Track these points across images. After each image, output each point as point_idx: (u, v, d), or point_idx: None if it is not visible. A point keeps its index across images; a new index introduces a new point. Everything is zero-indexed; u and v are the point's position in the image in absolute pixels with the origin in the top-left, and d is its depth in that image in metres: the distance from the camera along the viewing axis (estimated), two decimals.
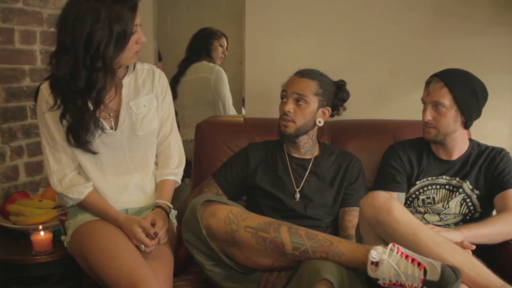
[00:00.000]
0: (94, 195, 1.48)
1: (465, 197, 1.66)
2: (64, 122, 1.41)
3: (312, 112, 1.65)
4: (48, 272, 1.80)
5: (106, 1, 1.32)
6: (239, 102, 2.64)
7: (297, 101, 1.64)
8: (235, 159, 1.76)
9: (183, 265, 1.66)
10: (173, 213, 1.65)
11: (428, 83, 1.65)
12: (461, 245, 1.36)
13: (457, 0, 2.03)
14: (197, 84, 2.74)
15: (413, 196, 1.71)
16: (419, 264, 1.14)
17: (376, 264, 1.19)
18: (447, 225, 1.66)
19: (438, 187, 1.69)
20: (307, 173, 1.70)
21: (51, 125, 1.44)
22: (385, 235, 1.31)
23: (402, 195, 1.70)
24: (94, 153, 1.46)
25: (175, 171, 1.60)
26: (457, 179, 1.68)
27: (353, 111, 1.85)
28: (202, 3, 3.37)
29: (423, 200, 1.70)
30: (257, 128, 1.96)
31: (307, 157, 1.73)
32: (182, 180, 1.65)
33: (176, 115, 1.69)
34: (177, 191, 1.65)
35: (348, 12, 2.08)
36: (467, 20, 2.03)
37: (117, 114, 1.49)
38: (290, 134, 1.65)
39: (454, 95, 1.58)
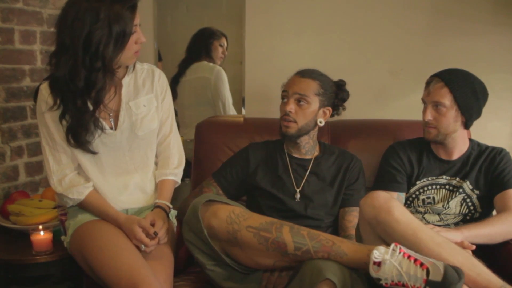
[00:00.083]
0: (94, 195, 1.48)
1: (465, 197, 1.66)
2: (64, 122, 1.41)
3: (313, 112, 1.65)
4: (48, 272, 1.80)
5: (106, 1, 1.32)
6: (239, 102, 2.63)
7: (298, 101, 1.63)
8: (235, 159, 1.76)
9: (184, 265, 1.65)
10: (173, 213, 1.65)
11: (428, 83, 1.65)
12: (461, 245, 1.36)
13: (457, 0, 2.03)
14: (197, 84, 2.73)
15: (413, 196, 1.71)
16: (421, 264, 1.14)
17: (378, 264, 1.19)
18: (447, 225, 1.66)
19: (438, 187, 1.69)
20: (307, 173, 1.70)
21: (50, 125, 1.44)
22: (385, 235, 1.31)
23: (402, 195, 1.70)
24: (93, 153, 1.46)
25: (174, 171, 1.60)
26: (457, 179, 1.68)
27: (353, 111, 1.85)
28: (202, 3, 3.36)
29: (423, 200, 1.70)
30: (257, 128, 1.95)
31: (308, 157, 1.72)
32: (182, 180, 1.65)
33: (176, 115, 1.69)
34: (177, 191, 1.65)
35: (348, 12, 2.08)
36: (467, 20, 2.03)
37: (117, 114, 1.49)
38: (292, 135, 1.65)
39: (454, 95, 1.58)
